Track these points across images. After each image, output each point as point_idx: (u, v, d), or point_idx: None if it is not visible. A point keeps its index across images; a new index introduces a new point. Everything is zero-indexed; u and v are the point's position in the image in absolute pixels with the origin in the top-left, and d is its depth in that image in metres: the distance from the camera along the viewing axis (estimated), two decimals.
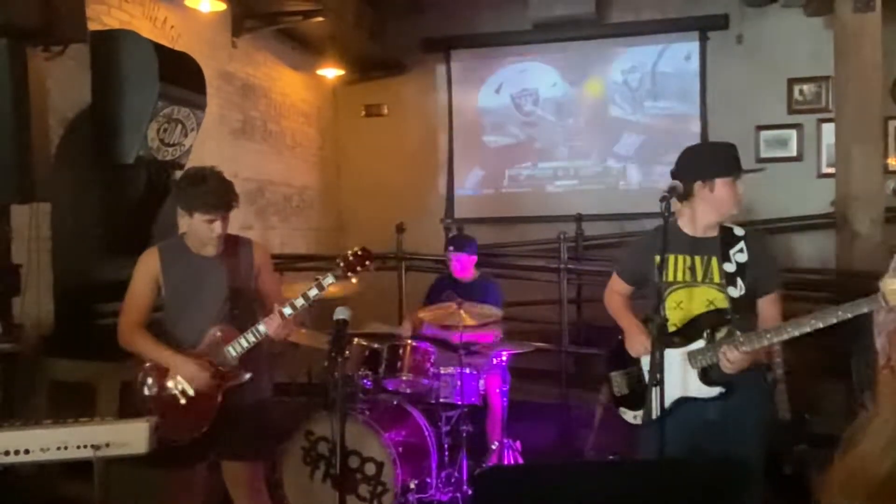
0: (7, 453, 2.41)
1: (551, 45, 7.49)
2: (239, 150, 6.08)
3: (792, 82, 6.95)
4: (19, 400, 3.68)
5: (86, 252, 4.28)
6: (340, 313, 2.73)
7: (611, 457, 4.27)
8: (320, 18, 6.12)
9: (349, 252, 2.87)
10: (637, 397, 2.72)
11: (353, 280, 2.87)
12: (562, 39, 7.41)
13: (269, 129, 6.74)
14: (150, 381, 2.92)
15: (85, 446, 2.43)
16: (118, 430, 2.49)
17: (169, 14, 5.19)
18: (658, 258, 2.60)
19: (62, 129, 4.15)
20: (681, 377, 2.58)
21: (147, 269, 2.97)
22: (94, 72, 4.22)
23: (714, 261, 2.61)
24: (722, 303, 2.60)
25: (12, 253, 3.76)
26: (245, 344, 2.88)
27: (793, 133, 6.99)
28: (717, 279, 2.60)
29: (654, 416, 2.46)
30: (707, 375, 2.57)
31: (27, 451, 2.42)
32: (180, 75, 4.31)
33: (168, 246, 3.03)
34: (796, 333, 2.43)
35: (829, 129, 6.40)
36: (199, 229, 2.90)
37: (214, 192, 2.87)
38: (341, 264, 2.86)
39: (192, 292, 2.95)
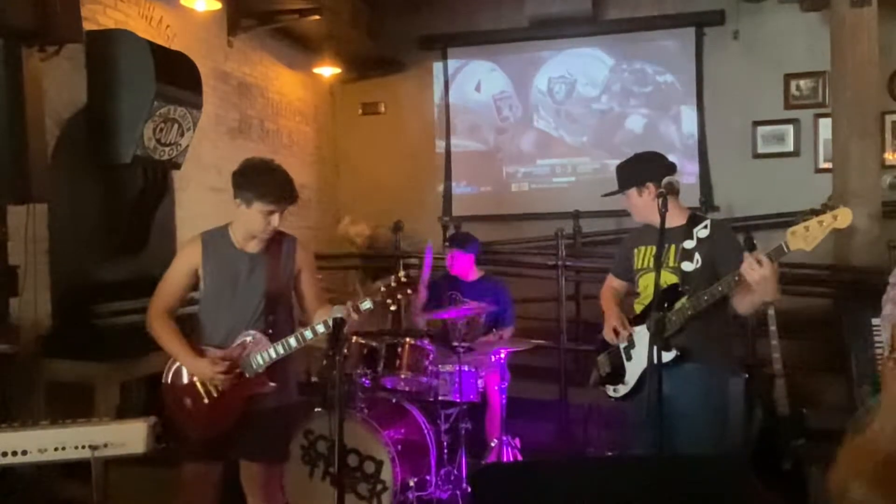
0: (5, 454, 2.41)
1: (548, 42, 7.48)
2: (236, 149, 6.07)
3: (789, 77, 6.95)
4: (17, 401, 3.68)
5: (83, 252, 4.28)
6: (338, 312, 2.72)
7: (609, 453, 4.27)
8: (317, 17, 6.10)
9: (392, 279, 2.76)
10: (616, 373, 3.06)
11: (393, 308, 2.81)
12: (559, 37, 7.41)
13: (266, 128, 6.74)
14: (177, 373, 2.90)
15: (83, 447, 2.43)
16: (116, 431, 2.48)
17: (164, 13, 5.18)
18: (636, 251, 3.06)
19: (58, 129, 4.14)
20: (648, 349, 2.81)
21: (188, 257, 2.92)
22: (90, 72, 4.22)
23: (673, 247, 2.90)
24: (675, 281, 2.88)
25: (9, 254, 3.75)
26: (273, 355, 2.83)
27: (790, 128, 6.99)
28: (671, 263, 2.89)
29: (631, 387, 2.81)
30: (667, 343, 2.80)
31: (25, 452, 2.42)
32: (176, 75, 4.31)
33: (212, 236, 2.95)
34: (721, 289, 2.69)
35: (826, 125, 6.39)
36: (253, 221, 2.83)
37: (281, 184, 2.85)
38: (383, 290, 2.76)
39: (229, 288, 2.88)
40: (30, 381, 3.77)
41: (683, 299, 2.81)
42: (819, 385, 4.69)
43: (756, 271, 2.53)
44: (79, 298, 4.10)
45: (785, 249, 2.54)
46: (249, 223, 2.86)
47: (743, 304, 2.80)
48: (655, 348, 2.61)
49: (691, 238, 2.89)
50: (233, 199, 2.88)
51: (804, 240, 2.50)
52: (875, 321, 4.20)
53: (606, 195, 3.14)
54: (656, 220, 2.84)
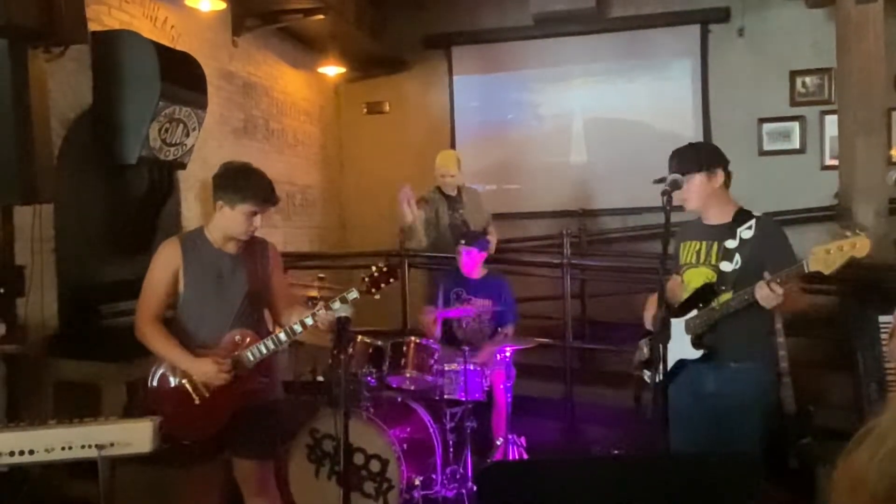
0: (12, 454, 2.42)
1: (552, 40, 7.47)
2: (241, 149, 6.08)
3: (794, 74, 6.92)
4: (24, 401, 3.69)
5: (89, 252, 4.29)
6: (343, 311, 2.73)
7: (615, 451, 4.26)
8: (321, 16, 6.11)
9: (374, 269, 2.84)
10: (654, 360, 3.04)
11: (377, 296, 2.86)
12: (563, 34, 7.40)
13: (270, 128, 6.74)
14: (163, 377, 2.89)
15: (89, 446, 2.44)
16: (122, 430, 2.50)
17: (169, 14, 5.19)
18: (682, 245, 3.02)
19: (64, 129, 4.15)
20: (680, 342, 2.87)
21: (168, 259, 2.90)
22: (95, 72, 4.23)
23: (715, 244, 2.89)
24: (715, 279, 2.87)
25: (16, 254, 3.76)
26: (264, 350, 2.86)
27: (795, 125, 6.96)
28: (714, 261, 2.88)
29: (657, 381, 2.76)
30: (699, 340, 2.84)
31: (32, 452, 2.43)
32: (181, 75, 4.32)
33: (190, 237, 2.98)
34: (746, 297, 2.67)
35: (831, 121, 6.37)
36: (236, 222, 2.86)
37: (264, 186, 2.90)
38: (366, 280, 2.83)
39: (212, 288, 2.90)
40: (37, 381, 3.78)
41: (724, 298, 2.79)
42: (825, 383, 4.67)
43: (765, 294, 2.59)
44: (85, 298, 4.12)
45: (805, 269, 2.58)
46: (231, 225, 2.88)
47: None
48: (661, 347, 2.62)
49: (734, 238, 2.85)
50: (213, 202, 2.92)
51: (824, 263, 2.55)
52: (882, 319, 4.18)
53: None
54: (712, 211, 2.93)
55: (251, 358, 2.85)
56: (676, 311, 2.97)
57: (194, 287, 2.90)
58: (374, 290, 2.83)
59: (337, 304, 2.78)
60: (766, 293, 2.58)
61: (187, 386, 2.85)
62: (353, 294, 2.79)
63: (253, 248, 3.02)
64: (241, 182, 2.87)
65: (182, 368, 2.84)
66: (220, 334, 2.88)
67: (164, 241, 2.99)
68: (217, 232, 2.93)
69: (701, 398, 2.85)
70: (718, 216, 2.93)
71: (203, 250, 2.92)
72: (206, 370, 2.80)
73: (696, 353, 2.86)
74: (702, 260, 2.92)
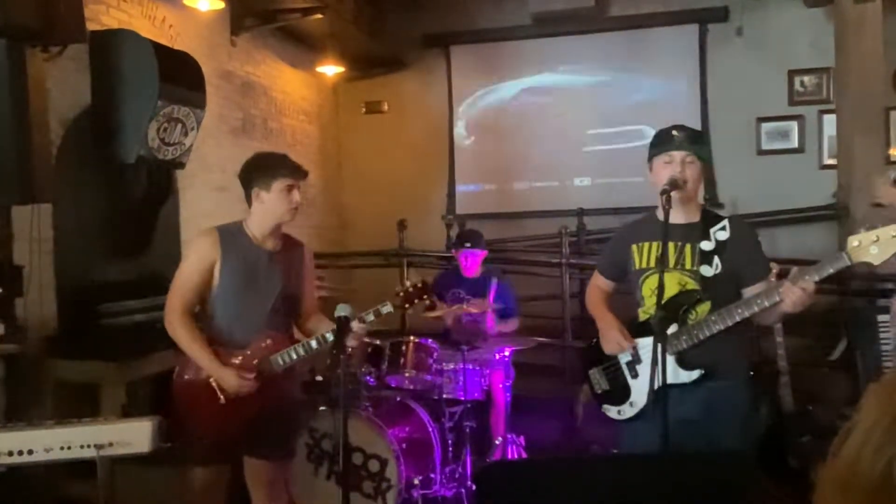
0: (11, 454, 2.41)
1: (551, 40, 7.47)
2: (239, 148, 6.07)
3: (793, 74, 6.93)
4: (23, 401, 3.69)
5: (88, 252, 4.29)
6: (342, 310, 2.72)
7: (614, 451, 4.27)
8: (319, 16, 6.10)
9: (409, 284, 2.86)
10: (619, 392, 2.69)
11: (410, 311, 2.91)
12: (562, 34, 7.40)
13: (269, 128, 6.74)
14: (193, 372, 2.84)
15: (88, 446, 2.43)
16: (121, 430, 2.49)
17: (167, 13, 5.18)
18: (635, 247, 2.66)
19: (62, 129, 4.15)
20: (651, 367, 2.44)
21: (205, 251, 2.81)
22: (94, 72, 4.22)
23: (687, 247, 2.54)
24: (693, 286, 2.54)
25: (14, 254, 3.76)
26: (294, 356, 2.81)
27: (794, 125, 6.97)
28: (688, 265, 2.54)
29: (640, 409, 2.50)
30: (683, 360, 2.51)
31: (31, 452, 2.42)
32: (180, 74, 4.31)
33: (228, 230, 2.89)
34: (766, 304, 2.38)
35: (830, 121, 6.38)
36: (277, 203, 2.83)
37: (289, 159, 2.94)
38: (401, 294, 2.84)
39: (249, 284, 2.82)
40: (36, 381, 3.77)
41: (703, 308, 2.50)
42: (825, 381, 4.68)
43: (798, 296, 2.30)
44: (84, 298, 4.11)
45: (847, 261, 2.23)
46: (274, 208, 2.84)
47: (770, 318, 2.53)
48: (660, 347, 2.36)
49: (709, 239, 2.54)
50: (245, 200, 2.90)
51: (869, 253, 2.22)
52: (881, 318, 4.20)
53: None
54: (682, 208, 2.55)
55: (281, 363, 2.81)
56: (645, 326, 2.59)
57: (229, 282, 2.82)
58: (407, 306, 2.85)
59: (371, 318, 2.76)
60: (798, 294, 2.28)
61: (213, 383, 2.81)
62: (388, 308, 2.78)
63: (291, 248, 2.99)
64: (267, 162, 2.91)
65: (209, 373, 2.79)
66: (250, 333, 2.82)
67: (201, 232, 2.91)
68: (257, 227, 2.89)
69: (684, 427, 2.40)
70: (687, 214, 2.57)
71: (242, 244, 2.86)
72: (230, 382, 2.76)
73: (688, 376, 2.49)
74: (671, 263, 2.53)
